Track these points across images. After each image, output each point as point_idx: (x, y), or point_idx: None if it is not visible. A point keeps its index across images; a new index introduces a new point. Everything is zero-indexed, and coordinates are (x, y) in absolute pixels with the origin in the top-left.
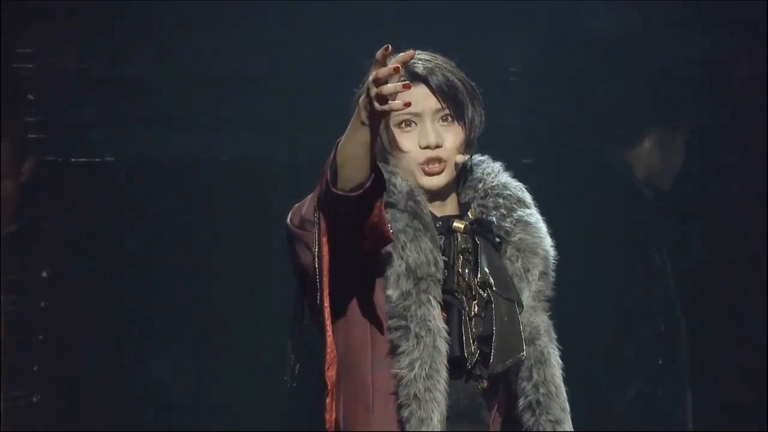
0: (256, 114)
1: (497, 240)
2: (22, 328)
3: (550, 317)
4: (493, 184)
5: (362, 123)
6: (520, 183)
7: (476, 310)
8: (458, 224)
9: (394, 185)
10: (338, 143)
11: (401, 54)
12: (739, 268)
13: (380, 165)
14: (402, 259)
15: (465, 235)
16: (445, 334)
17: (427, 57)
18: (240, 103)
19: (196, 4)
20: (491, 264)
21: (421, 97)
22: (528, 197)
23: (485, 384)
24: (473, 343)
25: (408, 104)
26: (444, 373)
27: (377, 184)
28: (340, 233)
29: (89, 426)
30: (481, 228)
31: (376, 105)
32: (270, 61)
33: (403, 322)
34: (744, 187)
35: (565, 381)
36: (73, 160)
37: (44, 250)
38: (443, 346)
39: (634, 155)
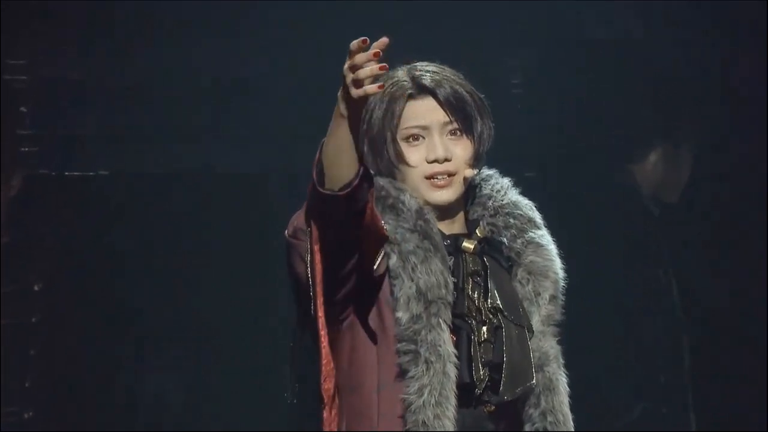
0: (253, 127)
1: (507, 261)
2: (13, 344)
3: (559, 342)
4: (503, 202)
5: (342, 116)
6: (529, 201)
7: (486, 335)
8: (468, 244)
9: (403, 203)
10: (322, 143)
11: (377, 41)
12: (739, 269)
13: (389, 181)
14: (413, 281)
15: (474, 255)
16: (455, 359)
17: (435, 69)
18: (237, 116)
19: (194, 17)
20: (501, 287)
21: (429, 110)
22: (538, 216)
23: (492, 407)
24: (482, 369)
25: (382, 87)
26: (453, 400)
27: (365, 181)
28: (334, 239)
29: None
30: (490, 248)
31: (353, 91)
32: (268, 73)
33: (412, 347)
34: (744, 188)
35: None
36: (67, 173)
37: (37, 264)
38: (452, 372)
39: (636, 162)
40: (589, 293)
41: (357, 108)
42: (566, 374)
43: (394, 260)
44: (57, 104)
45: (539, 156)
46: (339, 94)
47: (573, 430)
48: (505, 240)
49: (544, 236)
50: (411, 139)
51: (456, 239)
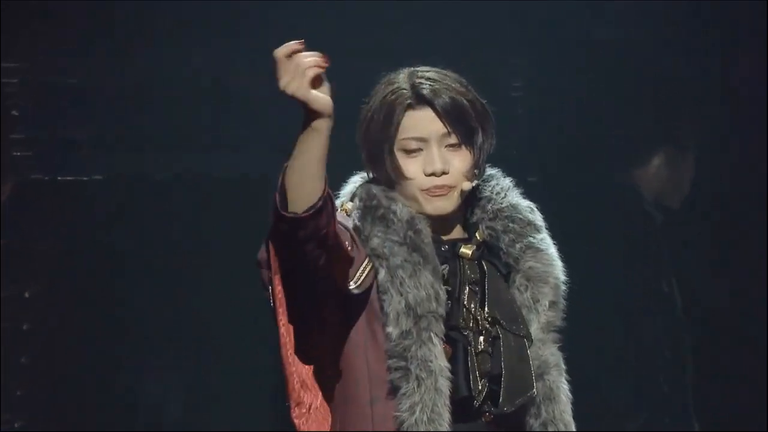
0: (252, 129)
1: (506, 267)
2: (3, 352)
3: (560, 348)
4: (502, 205)
5: (311, 130)
6: (530, 203)
7: (483, 345)
8: (465, 249)
9: (395, 213)
10: (285, 167)
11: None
12: (739, 269)
13: (382, 189)
14: (401, 296)
15: (472, 261)
16: (448, 374)
17: (436, 76)
18: (231, 121)
19: (192, 19)
20: (499, 295)
21: (427, 121)
22: (539, 219)
23: (491, 417)
24: (481, 380)
25: (326, 59)
26: (447, 416)
27: (329, 202)
28: (300, 263)
29: None
30: (490, 253)
31: (290, 86)
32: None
33: (403, 363)
34: (744, 188)
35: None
36: (59, 178)
37: (27, 270)
38: (445, 387)
39: (636, 163)
40: (590, 294)
41: (319, 122)
42: (568, 380)
43: (382, 275)
44: (51, 107)
45: (539, 157)
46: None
47: None
48: (503, 245)
49: (544, 240)
50: (409, 151)
51: (454, 244)
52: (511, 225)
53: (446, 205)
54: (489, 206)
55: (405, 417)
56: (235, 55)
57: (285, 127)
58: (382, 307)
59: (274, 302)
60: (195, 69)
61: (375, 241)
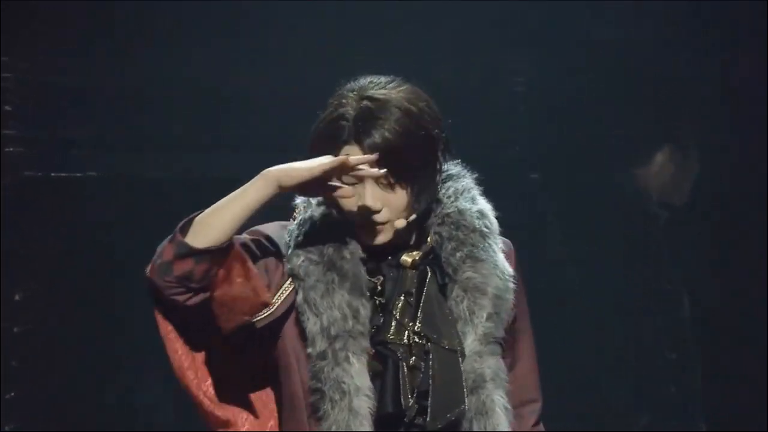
0: (248, 132)
1: (444, 278)
2: (2, 352)
3: (503, 355)
4: (450, 210)
5: (263, 187)
6: (482, 207)
7: (414, 360)
8: (407, 258)
9: (323, 229)
10: (196, 215)
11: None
12: (739, 269)
13: (319, 201)
14: (317, 317)
15: (414, 270)
16: (367, 392)
17: (379, 104)
18: (231, 121)
19: (190, 21)
20: (432, 308)
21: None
22: (488, 224)
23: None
24: (411, 396)
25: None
26: None
27: (227, 252)
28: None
29: None
30: (435, 261)
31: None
32: (266, 77)
33: (319, 385)
34: (744, 188)
35: (569, 382)
36: (59, 178)
37: (18, 271)
38: (363, 406)
39: (635, 163)
40: (590, 293)
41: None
42: (507, 391)
43: (300, 296)
44: (44, 104)
45: (539, 157)
46: (280, 173)
47: None
48: (444, 253)
49: (486, 248)
50: (346, 182)
51: (398, 253)
52: (454, 232)
53: (382, 238)
54: (439, 210)
55: None
56: (235, 55)
57: (285, 127)
58: (304, 329)
59: (163, 338)
60: (195, 69)
61: (294, 261)
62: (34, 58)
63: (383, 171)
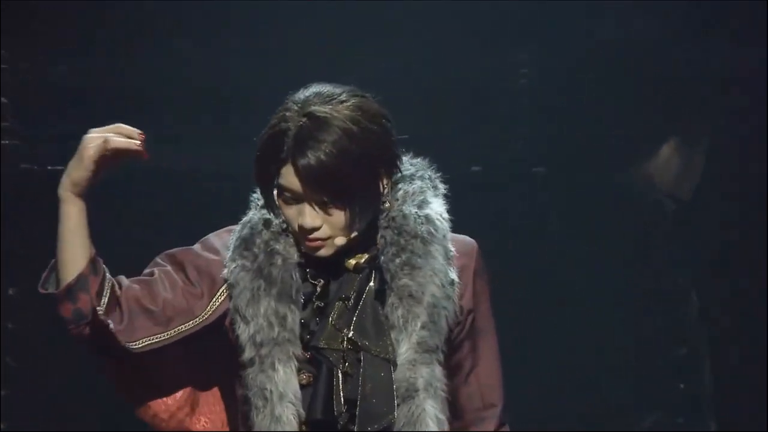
0: (248, 132)
1: (382, 283)
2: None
3: (439, 363)
4: (394, 214)
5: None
6: (429, 212)
7: (346, 367)
8: (351, 261)
9: (259, 234)
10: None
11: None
12: (739, 269)
13: (262, 210)
14: (246, 324)
15: (357, 274)
16: (292, 399)
17: (309, 123)
18: (231, 121)
19: (190, 19)
20: (367, 314)
21: (296, 178)
22: (432, 230)
23: None
24: (343, 403)
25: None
26: None
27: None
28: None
29: None
30: (377, 265)
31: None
32: (264, 76)
33: (247, 392)
34: (744, 188)
35: (568, 382)
36: (50, 168)
37: (11, 266)
38: (287, 413)
39: (636, 162)
40: (590, 293)
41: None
42: (442, 399)
43: (231, 304)
44: (40, 97)
45: (540, 156)
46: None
47: None
48: (385, 258)
49: (425, 255)
50: (287, 198)
51: (344, 256)
52: (396, 237)
53: (324, 252)
54: (386, 213)
55: None
56: (235, 54)
57: None
58: (237, 336)
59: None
60: (195, 69)
61: (229, 266)
62: (34, 57)
63: (142, 151)
